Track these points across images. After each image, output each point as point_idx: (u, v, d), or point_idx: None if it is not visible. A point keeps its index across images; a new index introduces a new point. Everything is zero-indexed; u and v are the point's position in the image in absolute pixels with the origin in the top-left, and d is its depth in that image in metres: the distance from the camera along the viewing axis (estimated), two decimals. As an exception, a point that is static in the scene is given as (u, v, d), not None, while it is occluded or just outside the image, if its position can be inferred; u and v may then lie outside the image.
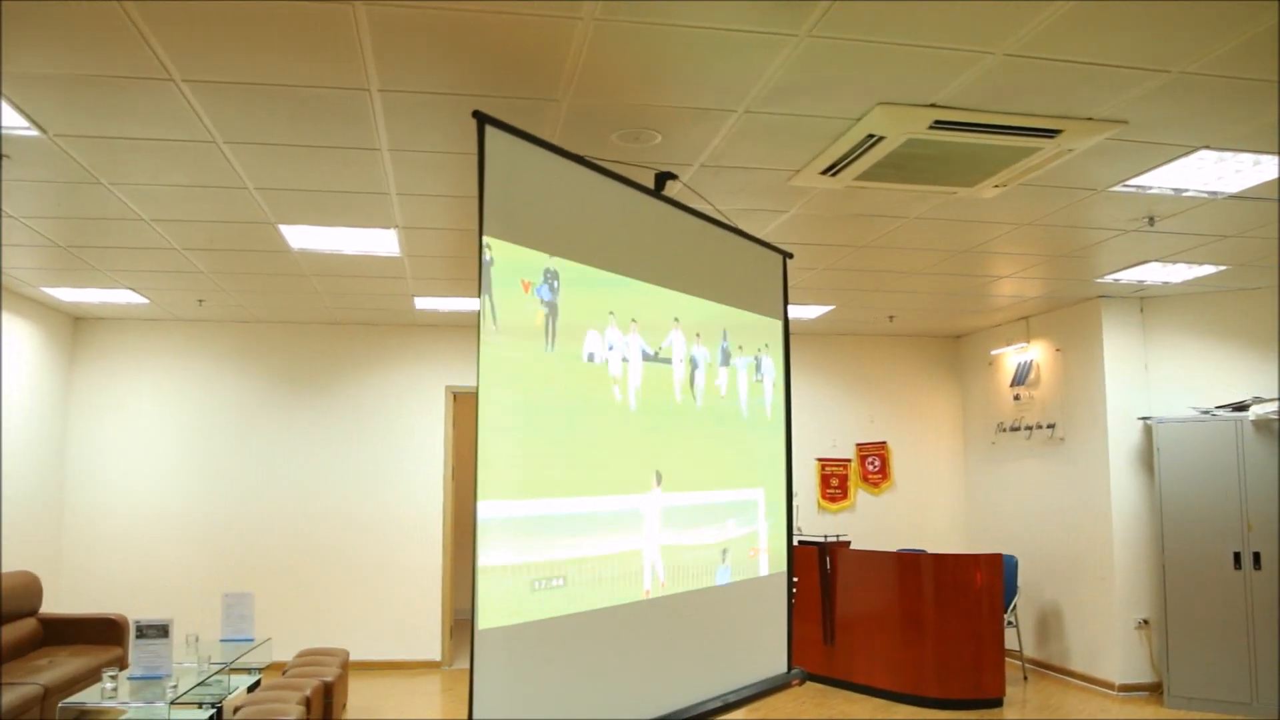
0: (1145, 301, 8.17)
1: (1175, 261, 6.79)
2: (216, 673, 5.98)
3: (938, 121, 3.98)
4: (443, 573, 9.14)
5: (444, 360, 9.37)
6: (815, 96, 3.81)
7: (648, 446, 3.87)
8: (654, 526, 3.88)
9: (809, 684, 8.07)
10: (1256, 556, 7.25)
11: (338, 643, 8.72)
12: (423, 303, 8.17)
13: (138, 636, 5.68)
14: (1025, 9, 3.06)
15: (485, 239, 2.97)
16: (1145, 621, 7.84)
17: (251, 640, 6.81)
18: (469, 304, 8.20)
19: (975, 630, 7.48)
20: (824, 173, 4.73)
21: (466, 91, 3.71)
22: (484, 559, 2.94)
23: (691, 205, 4.38)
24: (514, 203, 3.14)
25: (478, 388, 2.93)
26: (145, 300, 8.01)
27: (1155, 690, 7.75)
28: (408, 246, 6.20)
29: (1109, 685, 7.88)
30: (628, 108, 3.93)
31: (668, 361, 4.00)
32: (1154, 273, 7.14)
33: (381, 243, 6.07)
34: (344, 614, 8.98)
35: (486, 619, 2.95)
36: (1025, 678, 8.47)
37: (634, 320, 3.79)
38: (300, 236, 5.88)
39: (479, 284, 2.96)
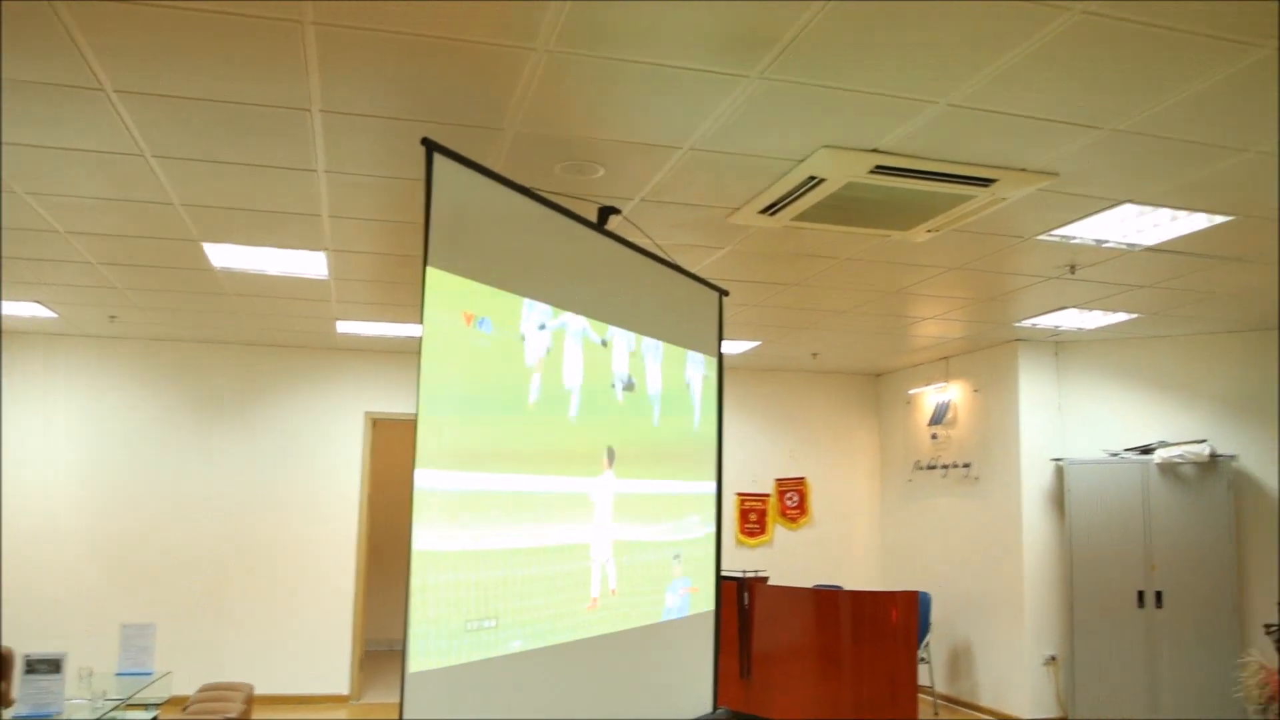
0: (1060, 346, 8.43)
1: (1092, 309, 7.02)
2: (111, 710, 5.68)
3: (879, 167, 4.04)
4: (355, 602, 8.89)
5: (364, 385, 9.16)
6: (761, 137, 3.84)
7: (596, 426, 3.85)
8: (605, 516, 3.84)
9: (727, 719, 8.03)
10: (1159, 595, 7.49)
11: (242, 675, 8.39)
12: (345, 326, 7.99)
13: (27, 672, 5.35)
14: (974, 61, 3.13)
15: (429, 269, 2.90)
16: (1053, 658, 8.02)
17: (150, 674, 6.49)
18: (392, 329, 8.05)
19: (891, 666, 7.55)
20: (763, 211, 4.76)
21: (410, 116, 3.64)
22: (421, 541, 2.82)
23: (632, 239, 4.37)
24: (460, 234, 3.08)
25: (419, 379, 2.85)
26: (53, 315, 7.67)
27: (1063, 726, 7.93)
28: (336, 269, 6.06)
29: (1019, 721, 8.04)
30: (573, 140, 3.90)
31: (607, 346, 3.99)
32: (1071, 319, 7.37)
33: (309, 264, 5.91)
34: (250, 645, 8.65)
35: (418, 660, 2.85)
36: (936, 713, 8.58)
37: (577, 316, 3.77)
38: (224, 255, 5.70)
39: (421, 314, 2.88)
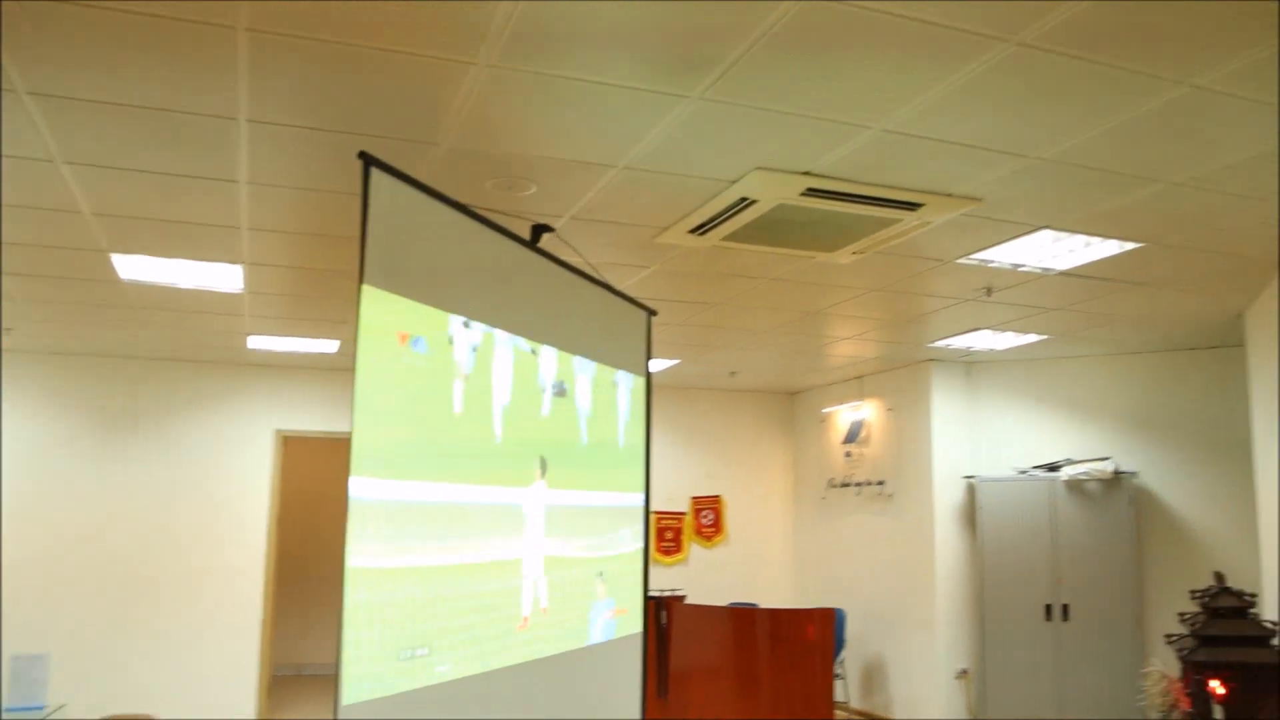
0: (971, 365, 8.65)
1: (1005, 330, 7.23)
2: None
3: (810, 189, 4.10)
4: (263, 626, 8.60)
5: (274, 402, 8.90)
6: (696, 157, 3.85)
7: (527, 434, 3.80)
8: (537, 530, 3.78)
9: (646, 740, 7.99)
10: (1065, 608, 7.73)
11: (144, 705, 8.04)
12: (256, 341, 7.76)
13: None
14: (913, 87, 3.19)
15: (364, 287, 2.82)
16: (965, 671, 8.20)
17: (42, 708, 6.18)
18: (305, 344, 7.84)
19: (808, 683, 7.62)
20: (692, 231, 4.78)
21: (341, 128, 3.55)
22: (355, 558, 2.73)
23: (563, 257, 4.34)
24: (397, 251, 3.00)
25: (353, 400, 2.76)
26: (-61, 326, 7.27)
27: (974, 739, 8.11)
28: (251, 283, 5.87)
29: (932, 735, 8.19)
30: (507, 156, 3.86)
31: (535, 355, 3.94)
32: (984, 340, 7.58)
33: (224, 278, 5.72)
34: (153, 672, 8.28)
35: (351, 692, 2.75)
36: (853, 728, 8.70)
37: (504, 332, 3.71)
38: (133, 267, 5.47)
39: (355, 332, 2.80)
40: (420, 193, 3.14)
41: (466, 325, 3.39)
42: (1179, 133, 3.57)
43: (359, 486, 2.77)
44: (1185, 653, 5.53)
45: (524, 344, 3.82)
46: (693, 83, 3.16)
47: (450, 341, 3.29)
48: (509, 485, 3.64)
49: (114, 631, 8.23)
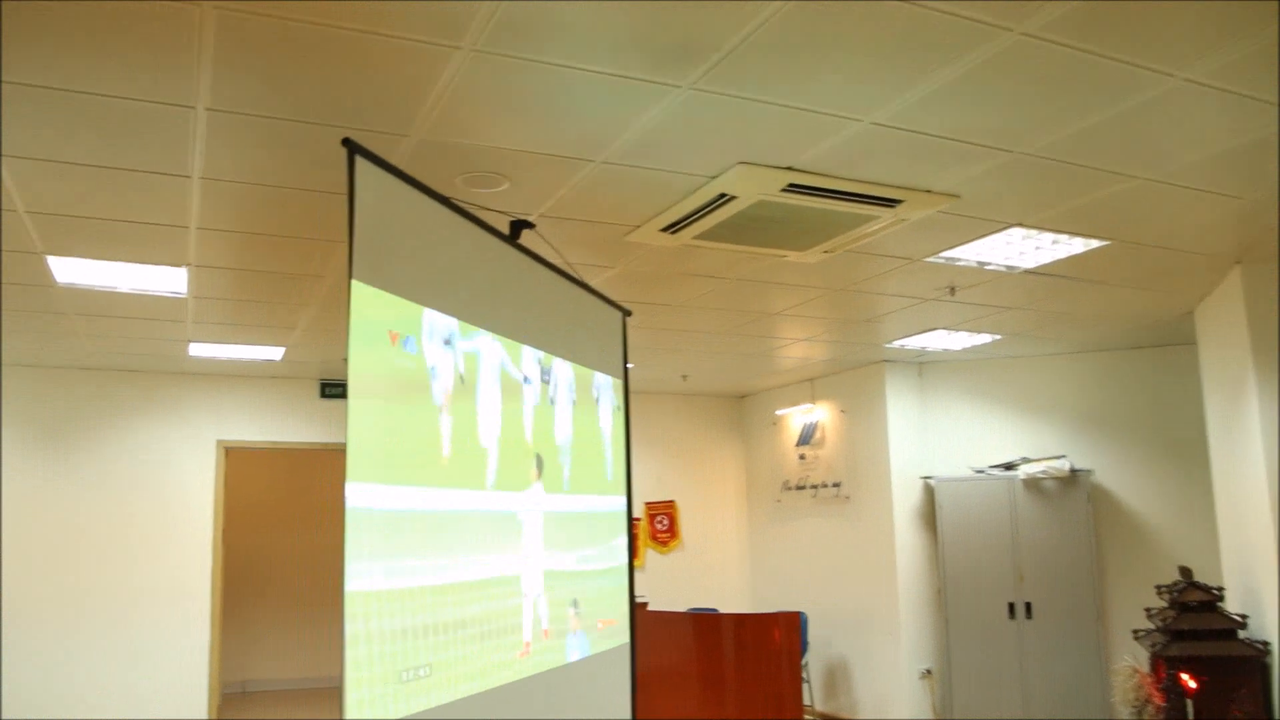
0: (923, 366, 8.67)
1: (959, 330, 7.24)
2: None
3: (791, 185, 4.00)
4: (210, 643, 8.24)
5: (216, 412, 8.56)
6: (678, 151, 3.73)
7: (520, 435, 3.65)
8: (535, 541, 3.61)
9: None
10: (1028, 606, 7.77)
11: (84, 730, 7.65)
12: (198, 349, 7.44)
13: None
14: (908, 78, 3.11)
15: (354, 283, 2.64)
16: (929, 671, 8.20)
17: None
18: (249, 352, 7.55)
19: (775, 688, 7.54)
20: (665, 230, 4.66)
21: (307, 118, 3.35)
22: (352, 580, 2.54)
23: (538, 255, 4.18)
24: (384, 246, 2.83)
25: (348, 407, 2.58)
26: None
27: (936, 739, 8.11)
28: (196, 287, 5.60)
29: (894, 736, 8.17)
30: (480, 149, 3.69)
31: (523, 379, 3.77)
32: (938, 340, 7.59)
33: (166, 281, 5.44)
34: (95, 693, 7.88)
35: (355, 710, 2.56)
36: (814, 732, 8.64)
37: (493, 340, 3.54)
38: (70, 270, 5.17)
39: (346, 331, 2.62)
40: (405, 184, 2.96)
41: (454, 325, 3.22)
42: (1159, 128, 3.56)
43: (356, 494, 2.58)
44: (1157, 647, 5.56)
45: (509, 345, 3.66)
46: (686, 71, 3.04)
47: (440, 341, 3.11)
48: (507, 490, 3.48)
49: (57, 648, 7.82)
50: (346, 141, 2.69)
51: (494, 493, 3.38)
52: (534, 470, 3.71)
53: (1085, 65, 3.03)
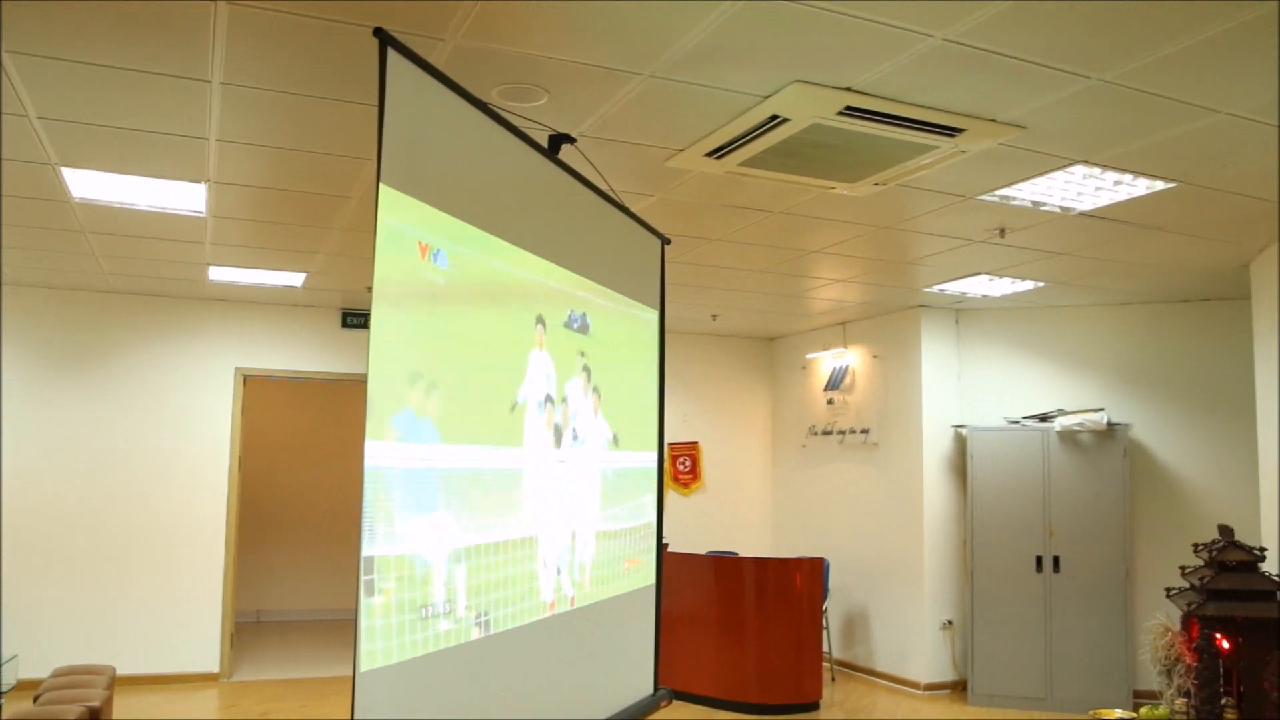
0: (960, 313, 8.41)
1: (1003, 275, 6.97)
2: (-50, 698, 4.98)
3: (849, 107, 3.75)
4: (225, 573, 8.19)
5: (235, 339, 8.41)
6: (731, 66, 3.47)
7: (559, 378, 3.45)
8: (568, 496, 3.45)
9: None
10: (1056, 560, 7.60)
11: (103, 656, 7.62)
12: (218, 273, 7.26)
13: None
14: (988, -13, 2.84)
15: (383, 187, 2.43)
16: (950, 622, 8.06)
17: (-9, 657, 5.78)
18: (270, 277, 7.37)
19: (796, 635, 7.43)
20: (709, 154, 4.41)
21: (334, 16, 3.11)
22: (370, 540, 2.37)
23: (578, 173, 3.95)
24: (416, 149, 2.61)
25: (371, 329, 2.40)
26: None
27: (958, 688, 7.99)
28: (216, 205, 5.40)
29: (914, 685, 8.06)
30: (520, 58, 3.45)
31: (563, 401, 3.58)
32: (979, 285, 7.32)
33: (185, 198, 5.24)
34: (111, 622, 7.85)
35: (371, 657, 2.40)
36: (833, 679, 8.55)
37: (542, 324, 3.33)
38: (86, 184, 4.98)
39: (373, 240, 2.41)
40: (439, 84, 2.73)
41: (489, 240, 3.01)
42: (1248, 58, 3.28)
43: (376, 453, 2.39)
44: (1192, 606, 5.38)
45: (544, 264, 3.44)
46: (747, -29, 2.79)
47: (472, 257, 2.90)
48: (539, 445, 3.29)
49: (68, 581, 7.77)
50: (378, 31, 2.45)
51: (520, 449, 3.19)
52: (581, 373, 3.53)
53: (1188, -24, 2.76)
